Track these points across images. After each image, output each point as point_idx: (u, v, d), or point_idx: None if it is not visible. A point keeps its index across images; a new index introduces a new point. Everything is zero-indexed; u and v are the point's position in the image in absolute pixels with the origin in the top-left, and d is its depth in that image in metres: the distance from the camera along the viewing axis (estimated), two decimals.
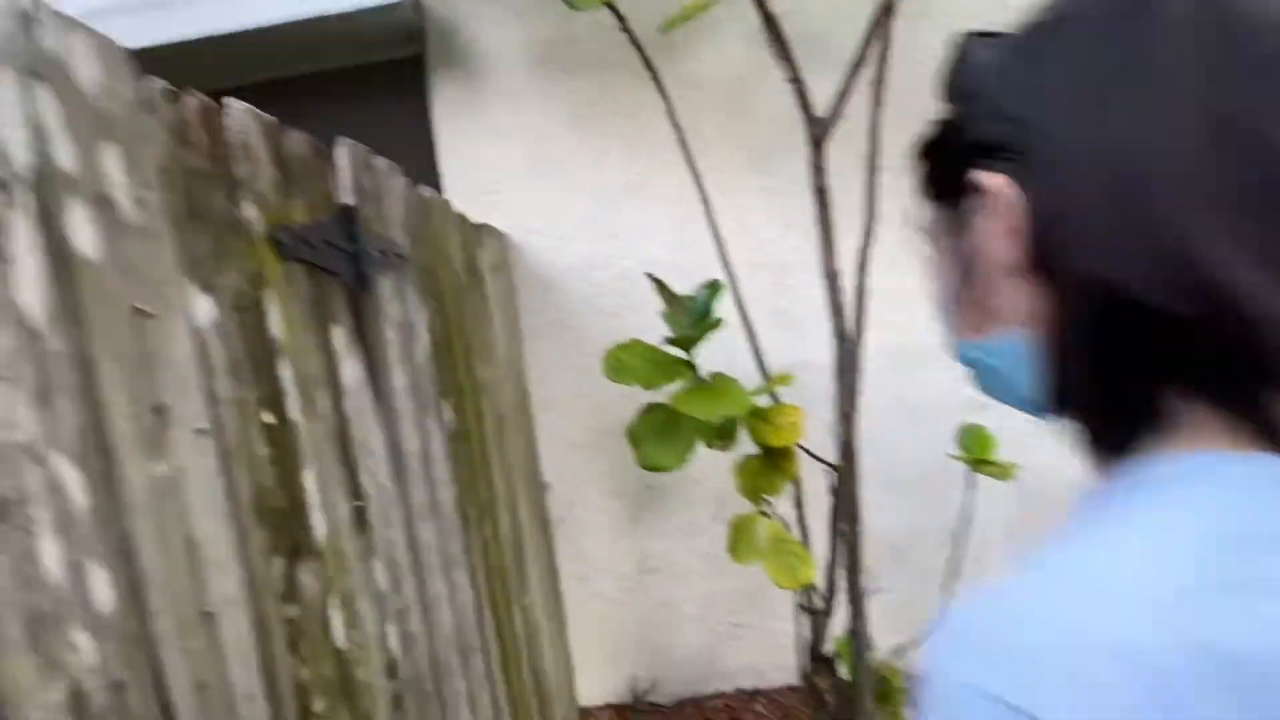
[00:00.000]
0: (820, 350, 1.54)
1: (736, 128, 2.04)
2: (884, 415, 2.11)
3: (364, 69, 1.98)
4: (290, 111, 1.08)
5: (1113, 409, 0.31)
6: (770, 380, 1.51)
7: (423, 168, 1.98)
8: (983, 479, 2.20)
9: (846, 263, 1.48)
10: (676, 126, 1.53)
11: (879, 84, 1.39)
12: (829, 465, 1.46)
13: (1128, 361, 0.29)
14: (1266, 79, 0.27)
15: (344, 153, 0.85)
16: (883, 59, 1.38)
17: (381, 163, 0.97)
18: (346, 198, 0.85)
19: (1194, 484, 0.28)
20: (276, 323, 0.63)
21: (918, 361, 2.11)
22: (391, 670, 0.79)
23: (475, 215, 1.90)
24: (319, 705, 0.62)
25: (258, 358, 0.59)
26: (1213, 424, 0.28)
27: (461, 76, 1.97)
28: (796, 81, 1.28)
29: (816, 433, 1.56)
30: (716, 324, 1.54)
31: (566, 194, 1.95)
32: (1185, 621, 0.24)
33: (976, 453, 1.54)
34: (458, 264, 1.36)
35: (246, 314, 0.58)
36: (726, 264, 1.56)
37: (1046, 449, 2.16)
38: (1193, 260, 0.27)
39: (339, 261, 0.80)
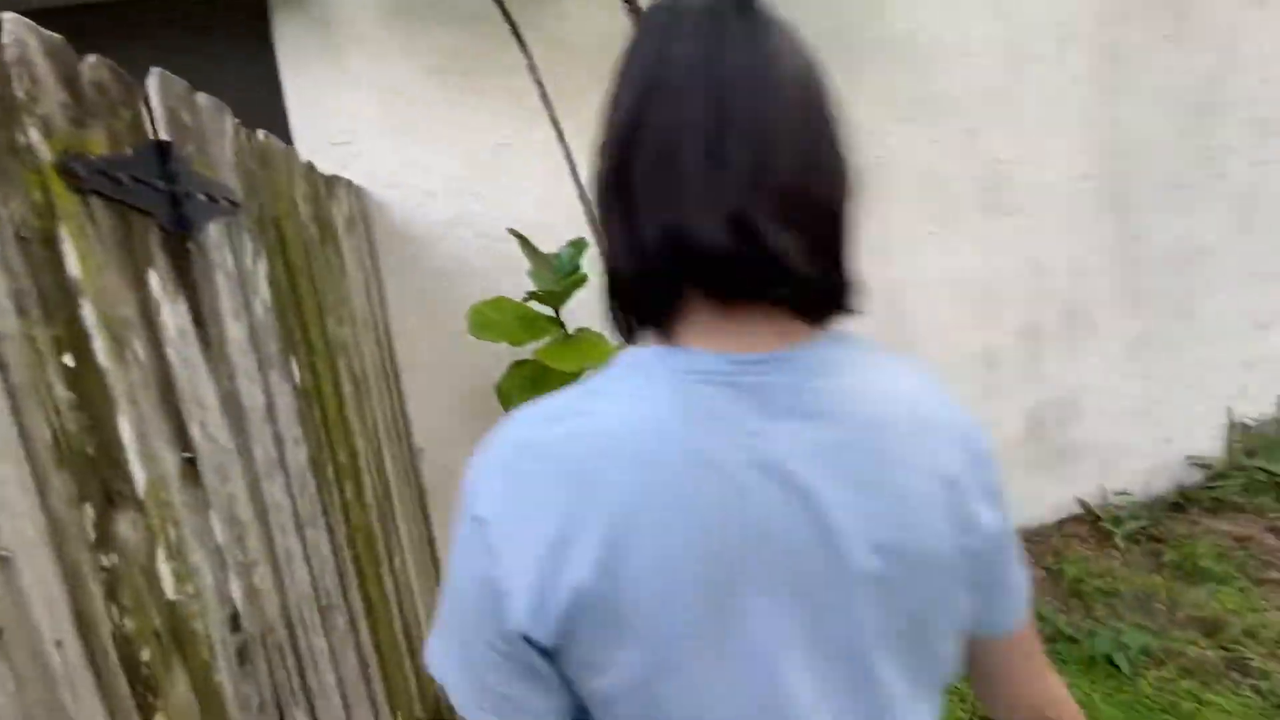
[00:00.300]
0: None
1: (605, 88, 2.06)
2: None
3: (204, 4, 1.78)
4: (126, 49, 0.97)
5: (621, 315, 0.46)
6: None
7: (269, 114, 1.82)
8: None
9: None
10: (539, 83, 1.52)
11: None
12: None
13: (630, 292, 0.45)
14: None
15: (156, 84, 0.79)
16: None
17: (207, 100, 0.90)
18: (162, 133, 0.78)
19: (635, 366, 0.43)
20: (73, 260, 0.58)
21: None
22: (235, 623, 0.77)
23: (328, 167, 1.79)
24: (146, 654, 0.61)
25: (49, 294, 0.55)
26: (680, 330, 0.43)
27: (310, 20, 1.82)
28: None
29: None
30: (582, 280, 1.58)
31: (431, 149, 1.88)
32: (559, 424, 0.40)
33: None
34: (305, 215, 1.29)
35: (32, 246, 0.53)
36: (593, 222, 1.60)
37: None
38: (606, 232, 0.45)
39: (154, 201, 0.74)
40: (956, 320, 2.48)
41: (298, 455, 1.07)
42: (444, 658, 0.43)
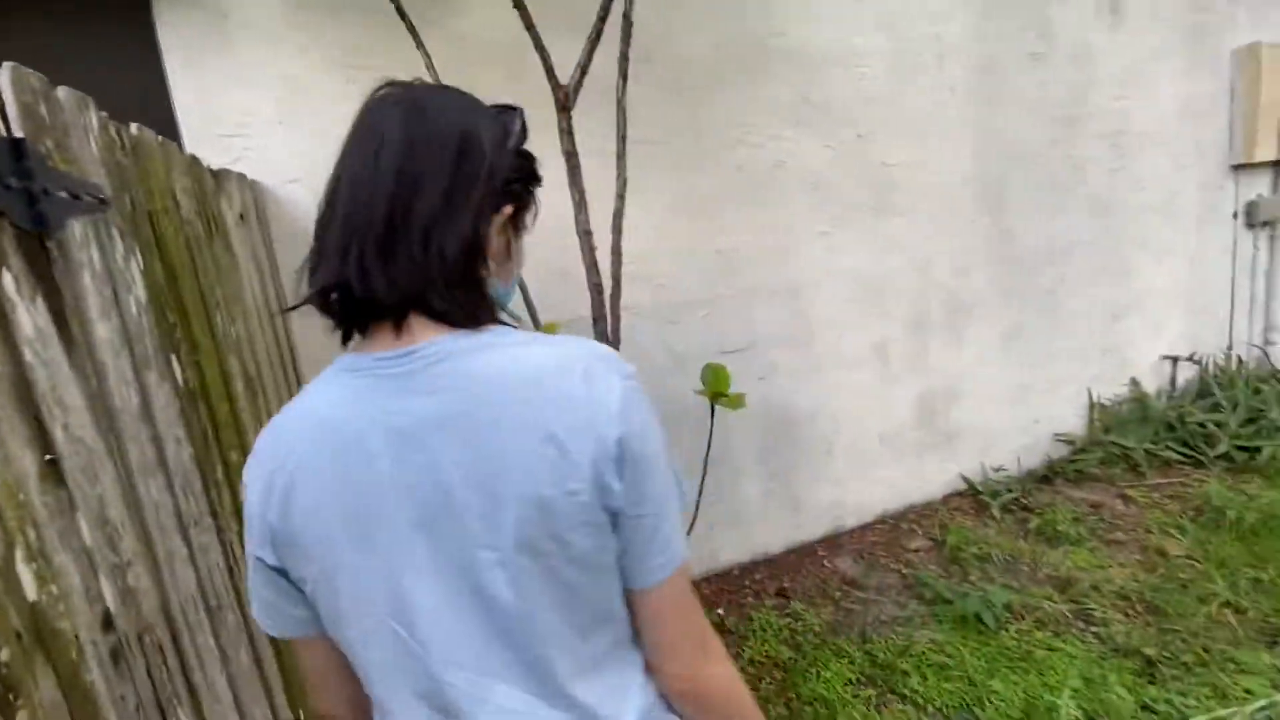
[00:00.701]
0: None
1: (510, 88, 2.08)
2: (652, 360, 2.36)
3: None
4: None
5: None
6: (539, 330, 1.63)
7: (156, 108, 1.74)
8: (739, 417, 2.56)
9: (609, 223, 1.63)
10: (437, 80, 1.53)
11: (624, 59, 1.53)
12: None
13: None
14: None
15: (7, 78, 0.77)
16: (626, 36, 1.52)
17: (67, 93, 0.88)
18: (15, 129, 0.76)
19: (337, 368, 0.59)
20: None
21: (678, 313, 2.38)
22: (108, 624, 0.77)
23: (221, 161, 1.73)
24: (5, 654, 0.61)
25: None
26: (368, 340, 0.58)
27: (198, 10, 1.75)
28: (541, 48, 1.37)
29: None
30: None
31: (329, 145, 1.84)
32: (306, 408, 0.57)
33: (715, 388, 1.82)
34: (188, 210, 1.26)
35: None
36: None
37: (784, 388, 2.60)
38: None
39: (6, 200, 0.73)
40: (852, 315, 2.66)
41: (181, 455, 1.05)
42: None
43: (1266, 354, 3.67)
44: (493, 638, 0.54)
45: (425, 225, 0.54)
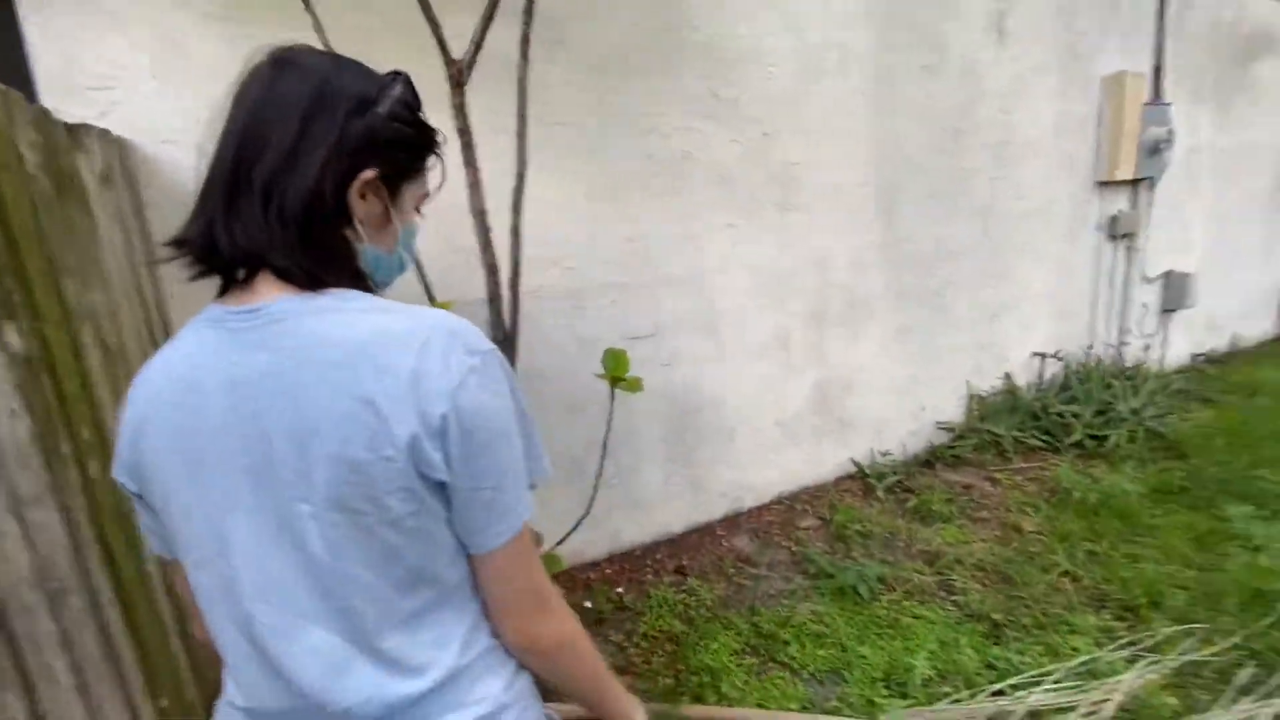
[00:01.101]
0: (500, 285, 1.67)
1: (410, 60, 2.03)
2: (561, 346, 2.38)
3: None
4: None
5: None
6: (442, 305, 1.61)
7: (7, 57, 1.58)
8: (643, 402, 2.62)
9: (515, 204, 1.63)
10: (327, 47, 1.48)
11: (525, 40, 1.53)
12: None
13: None
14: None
15: None
16: (528, 16, 1.52)
17: None
18: None
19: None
20: None
21: (586, 298, 2.40)
22: None
23: (83, 115, 1.60)
24: None
25: None
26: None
27: None
28: (432, 20, 1.35)
29: None
30: None
31: (208, 102, 1.74)
32: (167, 355, 0.61)
33: (615, 372, 1.86)
34: (34, 166, 1.16)
35: None
36: None
37: (688, 375, 2.69)
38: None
39: None
40: (755, 305, 2.77)
41: (16, 430, 0.99)
42: None
43: (1120, 353, 4.11)
44: (303, 583, 0.57)
45: (266, 182, 0.55)
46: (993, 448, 3.35)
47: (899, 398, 3.29)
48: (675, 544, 2.73)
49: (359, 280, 0.62)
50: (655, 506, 2.71)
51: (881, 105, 2.90)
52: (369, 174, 0.59)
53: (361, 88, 0.59)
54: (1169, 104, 3.84)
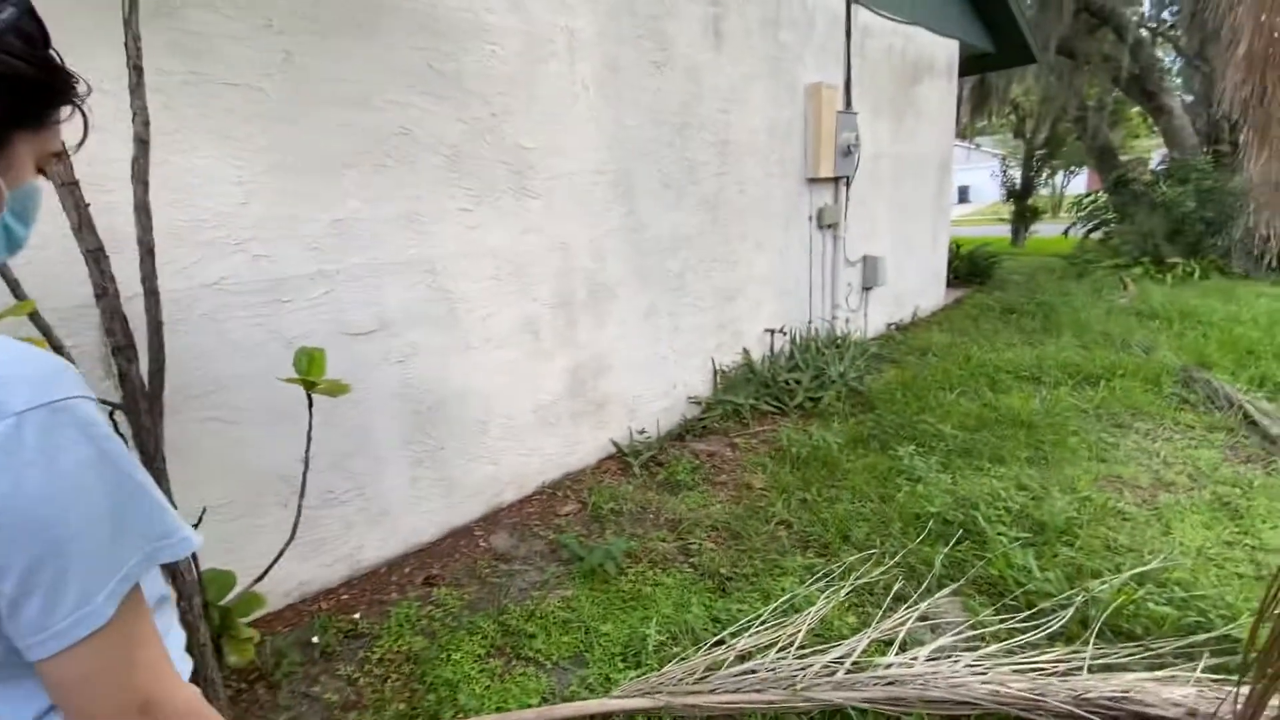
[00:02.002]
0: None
1: None
2: (260, 347, 2.04)
3: None
4: None
5: None
6: (16, 307, 1.24)
7: None
8: (378, 404, 2.37)
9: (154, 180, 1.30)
10: None
11: None
12: (110, 405, 1.30)
13: None
14: None
15: None
16: None
17: None
18: None
19: None
20: None
21: (287, 291, 2.10)
22: None
23: None
24: None
25: None
26: None
27: None
28: None
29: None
30: None
31: None
32: None
33: (308, 374, 1.63)
34: None
35: None
36: None
37: (429, 369, 2.52)
38: None
39: None
40: (501, 292, 2.68)
41: None
42: None
43: (833, 326, 4.83)
44: None
45: None
46: (734, 416, 3.71)
47: (651, 376, 3.46)
48: (426, 553, 2.55)
49: None
50: (401, 516, 2.49)
51: (611, 95, 2.98)
52: None
53: None
54: (856, 113, 4.56)
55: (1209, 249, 7.71)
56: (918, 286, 6.18)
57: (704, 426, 3.61)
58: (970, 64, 6.74)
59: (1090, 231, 9.82)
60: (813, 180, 4.37)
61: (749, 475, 3.07)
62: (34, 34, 0.50)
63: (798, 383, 3.94)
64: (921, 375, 4.32)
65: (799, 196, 4.32)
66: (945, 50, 5.87)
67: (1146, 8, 10.12)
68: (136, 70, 1.28)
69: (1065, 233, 10.81)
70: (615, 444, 3.29)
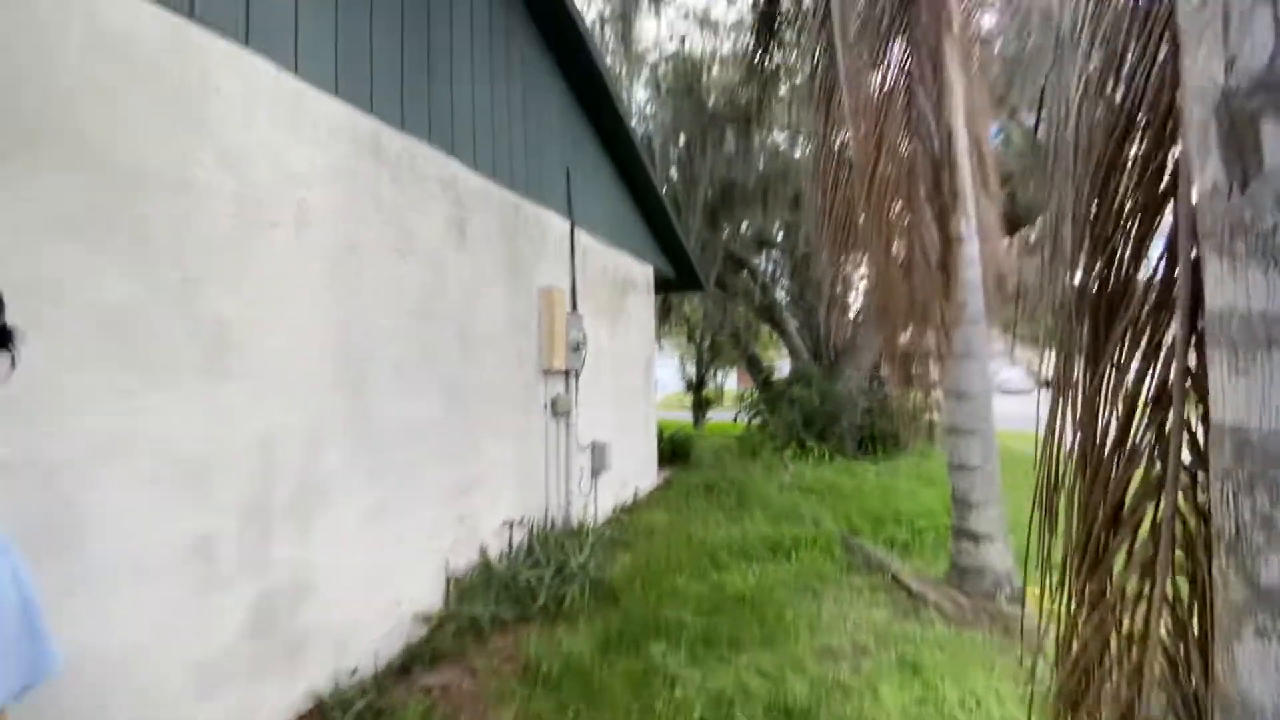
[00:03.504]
0: None
1: None
2: None
3: None
4: None
5: None
6: None
7: None
8: None
9: None
10: None
11: None
12: None
13: None
14: None
15: None
16: None
17: None
18: None
19: None
20: None
21: None
22: None
23: None
24: None
25: None
26: None
27: None
28: None
29: None
30: None
31: None
32: None
33: None
34: None
35: None
36: None
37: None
38: None
39: None
40: (158, 503, 1.97)
41: None
42: None
43: (569, 512, 4.77)
44: None
45: None
46: (472, 631, 3.20)
47: (371, 594, 2.84)
48: None
49: None
50: None
51: (349, 275, 2.73)
52: None
53: None
54: (582, 315, 5.02)
55: (832, 435, 10.09)
56: (637, 468, 6.63)
57: (435, 651, 3.01)
58: (659, 285, 8.21)
59: (751, 419, 12.10)
60: (547, 371, 4.53)
61: (495, 711, 2.58)
62: None
63: (540, 580, 3.66)
64: (654, 559, 4.43)
65: (536, 387, 4.40)
66: (644, 272, 7.05)
67: (763, 263, 13.94)
68: None
69: (735, 419, 13.13)
70: (318, 698, 2.50)
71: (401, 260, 3.07)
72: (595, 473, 5.28)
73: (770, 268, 13.53)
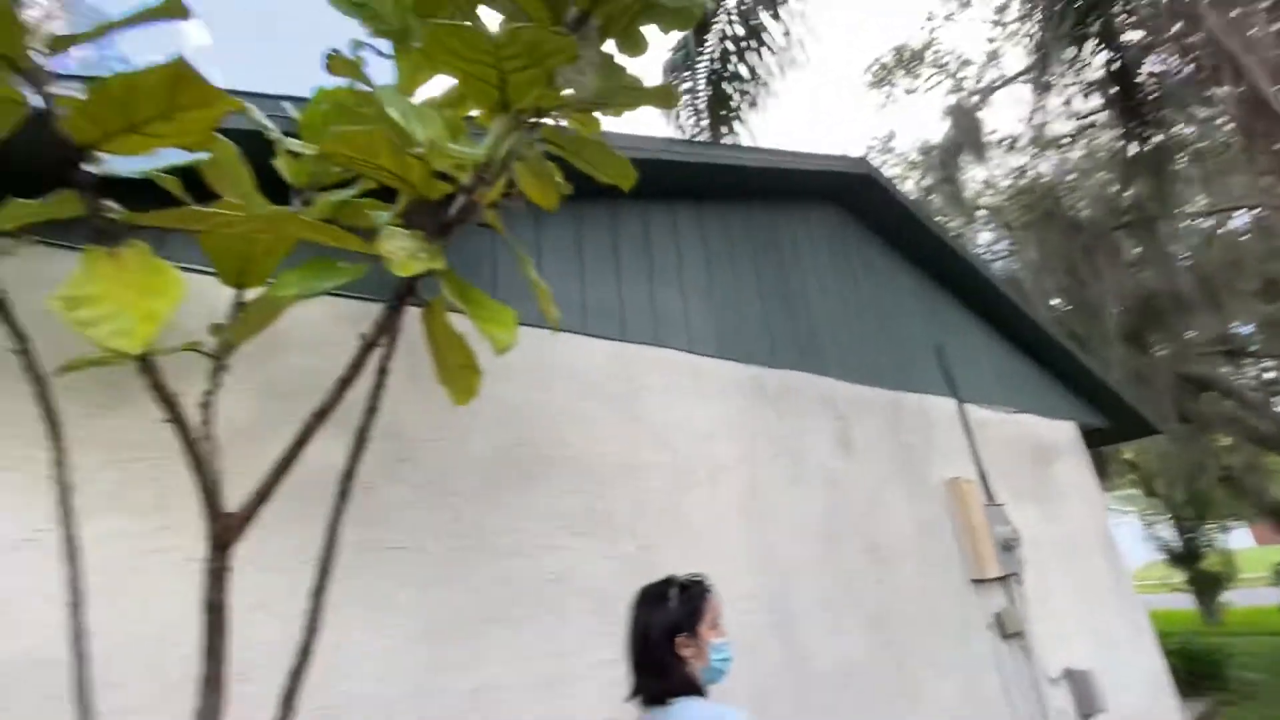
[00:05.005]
0: None
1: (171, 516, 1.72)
2: None
3: None
4: None
5: None
6: None
7: None
8: None
9: None
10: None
11: (347, 477, 1.27)
12: None
13: None
14: None
15: None
16: (360, 438, 1.30)
17: None
18: None
19: None
20: None
21: None
22: None
23: None
24: None
25: None
26: None
27: None
28: (201, 465, 1.07)
29: None
30: None
31: None
32: None
33: None
34: None
35: None
36: None
37: None
38: None
39: None
40: None
41: None
42: None
43: None
44: None
45: None
46: None
47: None
48: None
49: None
50: None
51: (754, 514, 2.87)
52: None
53: None
54: (1003, 504, 4.24)
55: None
56: (1141, 704, 4.77)
57: None
58: (1088, 438, 6.59)
59: None
60: (978, 582, 3.81)
61: None
62: None
63: None
64: None
65: (967, 603, 3.72)
66: (1063, 430, 5.79)
67: (1240, 376, 10.21)
68: (318, 593, 1.22)
69: None
70: None
71: (792, 485, 3.12)
72: (1085, 716, 3.96)
73: (1258, 379, 9.81)
